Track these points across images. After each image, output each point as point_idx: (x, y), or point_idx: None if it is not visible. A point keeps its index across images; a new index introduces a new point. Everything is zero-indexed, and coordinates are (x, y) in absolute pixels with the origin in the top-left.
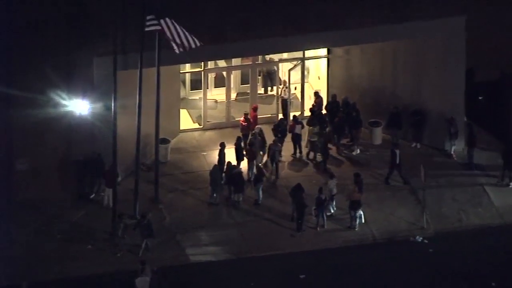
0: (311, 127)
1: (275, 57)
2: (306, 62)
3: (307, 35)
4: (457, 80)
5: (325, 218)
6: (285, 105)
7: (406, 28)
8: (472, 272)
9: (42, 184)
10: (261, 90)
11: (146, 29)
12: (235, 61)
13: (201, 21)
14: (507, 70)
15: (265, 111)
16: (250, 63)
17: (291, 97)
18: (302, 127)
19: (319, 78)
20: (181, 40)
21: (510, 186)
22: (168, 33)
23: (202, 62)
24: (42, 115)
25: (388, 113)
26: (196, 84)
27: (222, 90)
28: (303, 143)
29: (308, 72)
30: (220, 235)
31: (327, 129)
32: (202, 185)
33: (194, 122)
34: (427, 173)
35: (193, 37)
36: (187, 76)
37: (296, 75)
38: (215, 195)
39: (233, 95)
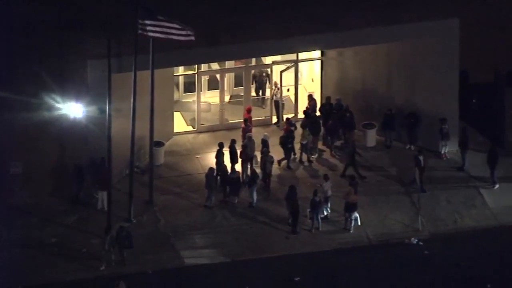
0: (303, 129)
1: (269, 59)
2: (300, 64)
3: (301, 38)
4: (451, 82)
5: (319, 220)
6: (277, 107)
7: (400, 30)
8: (468, 273)
9: (36, 188)
10: (254, 93)
11: (139, 31)
12: (228, 64)
13: (195, 23)
14: (501, 71)
15: (259, 114)
16: (243, 65)
17: (283, 99)
18: (295, 128)
19: (312, 80)
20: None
21: (495, 187)
22: (161, 36)
23: (196, 65)
24: (36, 119)
25: (382, 115)
26: (190, 86)
27: (216, 93)
28: (297, 145)
29: (301, 75)
30: (214, 238)
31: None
32: (197, 187)
33: (187, 125)
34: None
35: (186, 28)
36: (181, 79)
37: (289, 77)
38: (210, 197)
39: (227, 98)
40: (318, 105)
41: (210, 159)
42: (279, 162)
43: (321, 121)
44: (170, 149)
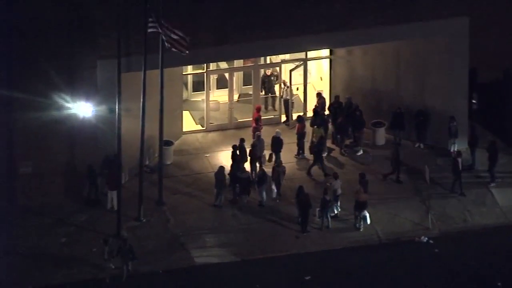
0: (315, 128)
1: (277, 58)
2: (308, 62)
3: (310, 36)
4: (461, 80)
5: (329, 219)
6: (286, 105)
7: (410, 29)
8: (478, 272)
9: (46, 187)
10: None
11: (149, 30)
12: (237, 63)
13: (204, 23)
14: (510, 70)
15: (268, 113)
16: (252, 64)
17: (292, 98)
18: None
19: (321, 79)
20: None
21: (492, 185)
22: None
23: (204, 64)
24: (46, 118)
25: (392, 113)
26: (198, 86)
27: (225, 92)
28: (307, 144)
29: (309, 73)
30: (224, 237)
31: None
32: (206, 187)
33: (196, 124)
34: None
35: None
36: (189, 78)
37: (297, 76)
38: (220, 197)
39: (235, 97)
40: (327, 104)
41: (219, 158)
42: (309, 169)
43: (330, 120)
44: (179, 148)
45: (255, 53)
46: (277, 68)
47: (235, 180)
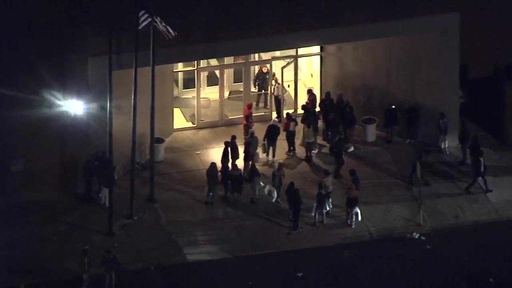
0: (306, 126)
1: (268, 55)
2: (299, 59)
3: (301, 33)
4: (451, 76)
5: (323, 214)
6: (277, 102)
7: (400, 25)
8: (470, 268)
9: (37, 185)
10: (254, 89)
11: (140, 26)
12: (228, 60)
13: (194, 20)
14: (501, 66)
15: (260, 109)
16: (243, 61)
17: (284, 95)
18: (296, 124)
19: (311, 76)
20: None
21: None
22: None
23: (195, 61)
24: (37, 116)
25: (383, 111)
26: (189, 83)
27: (215, 89)
28: (297, 141)
29: (300, 70)
30: (216, 234)
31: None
32: (197, 184)
33: (187, 121)
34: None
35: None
36: (180, 75)
37: (288, 73)
38: (211, 194)
39: (226, 94)
40: (318, 100)
41: (210, 155)
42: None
43: (320, 116)
44: (170, 146)
45: (246, 50)
46: (268, 66)
47: (227, 177)
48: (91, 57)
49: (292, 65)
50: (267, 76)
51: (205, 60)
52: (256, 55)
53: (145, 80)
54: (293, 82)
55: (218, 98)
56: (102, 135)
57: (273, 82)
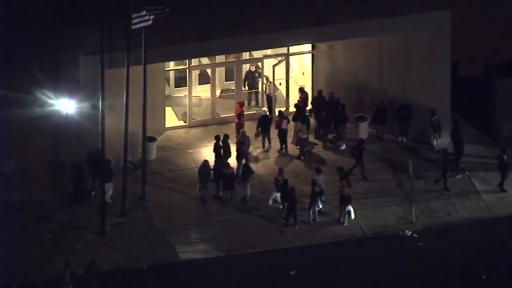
0: (299, 124)
1: (260, 53)
2: (290, 57)
3: (292, 31)
4: (443, 74)
5: (316, 212)
6: (269, 101)
7: (391, 23)
8: (462, 265)
9: (29, 185)
10: (245, 89)
11: (133, 27)
12: (219, 58)
13: (187, 18)
14: (492, 63)
15: (251, 108)
16: (234, 59)
17: (275, 93)
18: (288, 122)
19: (303, 74)
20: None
21: (458, 177)
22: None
23: (187, 60)
24: (28, 115)
25: (374, 108)
26: (180, 81)
27: (207, 87)
28: (289, 139)
29: (291, 68)
30: (209, 232)
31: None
32: (190, 182)
33: (179, 120)
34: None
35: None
36: (171, 74)
37: (280, 71)
38: (203, 192)
39: (218, 92)
40: (310, 99)
41: (202, 154)
42: (350, 170)
43: (312, 114)
44: (162, 144)
45: (238, 49)
46: (259, 64)
47: (219, 176)
48: (83, 56)
49: (283, 63)
50: (256, 75)
51: (197, 59)
52: (248, 53)
53: (136, 79)
54: (284, 80)
55: (209, 97)
56: (94, 134)
57: (265, 80)
